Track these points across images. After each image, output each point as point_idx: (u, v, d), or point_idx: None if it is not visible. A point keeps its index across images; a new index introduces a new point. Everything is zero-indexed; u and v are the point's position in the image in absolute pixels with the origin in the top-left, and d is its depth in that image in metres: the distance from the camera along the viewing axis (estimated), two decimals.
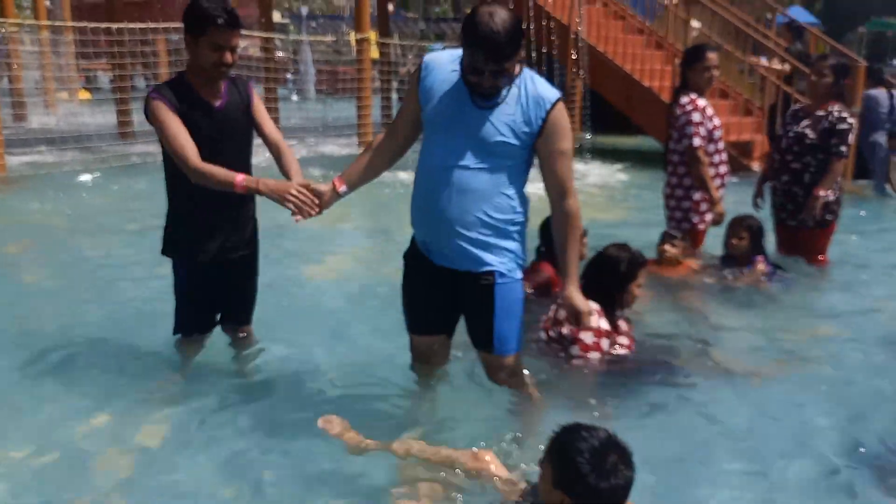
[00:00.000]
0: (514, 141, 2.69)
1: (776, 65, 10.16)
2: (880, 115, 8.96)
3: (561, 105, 2.73)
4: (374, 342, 3.78)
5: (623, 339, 3.45)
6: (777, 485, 2.72)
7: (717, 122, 4.93)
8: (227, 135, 3.07)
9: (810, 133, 4.98)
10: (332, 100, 14.33)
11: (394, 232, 6.31)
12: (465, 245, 2.73)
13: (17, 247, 5.64)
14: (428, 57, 2.78)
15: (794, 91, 9.44)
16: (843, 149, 4.93)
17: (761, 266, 4.82)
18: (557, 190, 2.79)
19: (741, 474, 2.79)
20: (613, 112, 11.26)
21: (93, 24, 9.82)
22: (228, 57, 2.94)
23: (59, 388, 3.29)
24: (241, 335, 3.48)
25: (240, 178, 2.88)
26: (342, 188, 2.86)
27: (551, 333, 3.45)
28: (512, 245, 2.80)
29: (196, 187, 2.97)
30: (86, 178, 7.94)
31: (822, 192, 4.95)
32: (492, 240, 2.74)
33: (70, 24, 11.33)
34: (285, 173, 3.14)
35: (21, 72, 11.75)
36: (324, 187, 2.87)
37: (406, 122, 2.85)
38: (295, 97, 18.34)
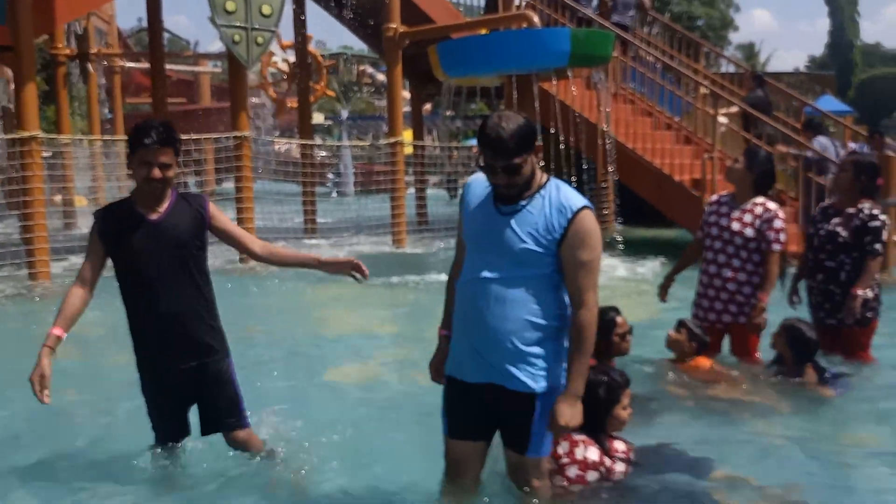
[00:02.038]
0: (536, 248, 2.71)
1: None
2: None
3: (586, 214, 2.73)
4: (395, 460, 3.67)
5: (619, 466, 3.26)
6: None
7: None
8: (165, 247, 3.16)
9: (842, 231, 4.91)
10: (368, 198, 14.64)
11: (427, 338, 6.30)
12: (505, 358, 2.73)
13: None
14: (471, 178, 2.93)
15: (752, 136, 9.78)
16: (878, 246, 4.85)
17: (811, 373, 4.56)
18: (573, 300, 2.76)
19: None
20: (646, 205, 11.30)
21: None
22: (157, 172, 3.10)
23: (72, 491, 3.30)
24: (236, 441, 3.40)
25: (52, 330, 3.10)
26: (447, 332, 2.99)
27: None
28: (552, 353, 2.78)
29: (133, 306, 3.22)
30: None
31: (860, 292, 4.84)
32: (533, 349, 2.73)
33: (119, 137, 11.89)
34: (297, 264, 3.43)
35: (73, 183, 12.34)
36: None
37: (462, 247, 2.94)
38: (335, 195, 18.83)
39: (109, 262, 3.25)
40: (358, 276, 3.29)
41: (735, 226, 4.79)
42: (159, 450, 3.41)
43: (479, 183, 2.87)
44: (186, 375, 3.26)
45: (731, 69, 15.74)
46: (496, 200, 2.79)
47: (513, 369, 2.74)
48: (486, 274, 2.75)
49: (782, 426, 4.16)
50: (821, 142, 9.91)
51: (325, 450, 3.77)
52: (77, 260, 9.39)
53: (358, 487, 3.35)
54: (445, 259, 10.61)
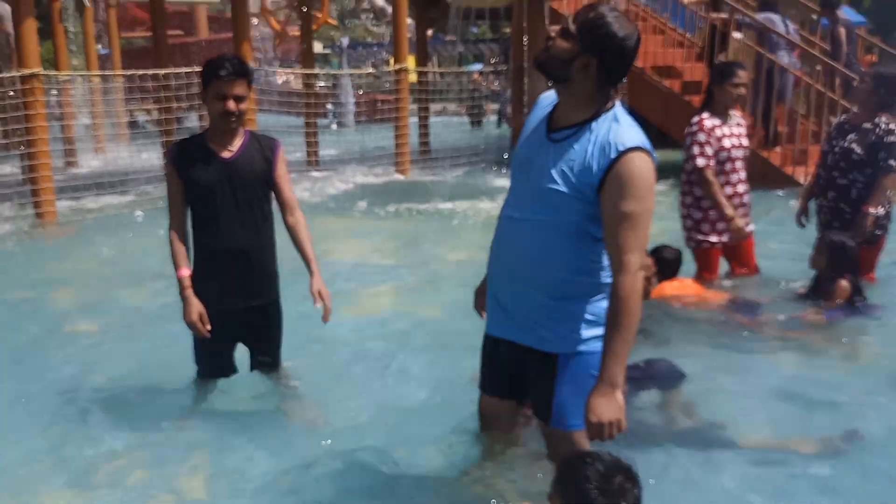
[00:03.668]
0: (563, 189, 2.28)
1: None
2: None
3: (635, 156, 2.23)
4: (414, 392, 3.71)
5: None
6: None
7: (727, 142, 4.81)
8: (236, 186, 3.19)
9: (857, 148, 4.85)
10: (371, 128, 14.48)
11: (432, 265, 6.34)
12: (525, 310, 2.40)
13: (65, 293, 5.82)
14: (541, 95, 2.53)
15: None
16: (892, 162, 4.78)
17: (844, 285, 4.52)
18: (612, 261, 2.28)
19: None
20: (652, 127, 11.13)
21: (140, 72, 10.15)
22: (232, 105, 3.09)
23: (94, 433, 3.35)
24: (277, 374, 3.55)
25: (181, 272, 3.16)
26: None
27: None
28: (581, 314, 2.37)
29: (201, 238, 3.24)
30: (135, 218, 8.15)
31: (871, 210, 4.81)
32: (558, 305, 2.36)
33: (119, 72, 11.71)
34: (301, 254, 3.33)
35: (72, 120, 12.19)
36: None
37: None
38: (334, 127, 18.61)
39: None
40: (318, 307, 3.22)
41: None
42: (201, 385, 3.49)
43: (545, 99, 2.47)
44: (245, 314, 3.31)
45: None
46: (550, 122, 2.37)
47: (533, 325, 2.41)
48: (513, 213, 2.42)
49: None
50: (768, 16, 9.65)
51: (335, 384, 3.83)
52: (82, 198, 9.38)
53: (373, 428, 3.34)
54: (453, 186, 10.61)
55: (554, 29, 2.37)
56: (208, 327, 3.15)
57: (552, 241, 2.33)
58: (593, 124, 2.30)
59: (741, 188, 4.95)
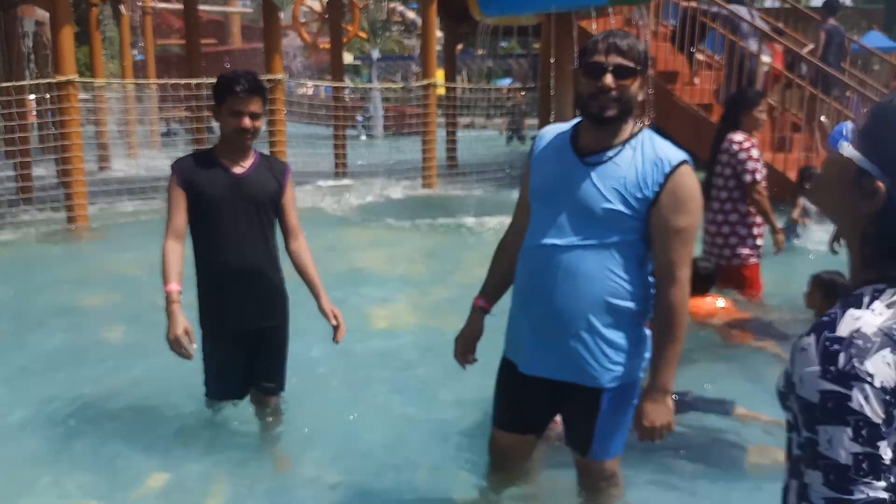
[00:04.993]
0: (623, 209, 2.23)
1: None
2: None
3: (687, 171, 2.24)
4: (436, 410, 3.69)
5: None
6: None
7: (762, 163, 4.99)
8: (247, 203, 3.11)
9: None
10: (399, 139, 14.57)
11: (457, 280, 6.33)
12: (572, 345, 2.29)
13: (98, 298, 5.88)
14: (545, 128, 2.52)
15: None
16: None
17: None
18: (662, 274, 2.27)
19: None
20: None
21: (172, 81, 10.32)
22: (247, 122, 3.02)
23: (121, 443, 3.37)
24: (264, 402, 3.42)
25: (170, 286, 2.99)
26: (484, 305, 2.59)
27: None
28: (629, 342, 2.31)
29: (208, 255, 3.12)
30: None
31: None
32: (607, 335, 2.28)
33: (152, 81, 11.91)
34: (305, 278, 3.24)
35: (106, 126, 12.42)
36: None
37: (525, 208, 2.46)
38: (363, 137, 18.75)
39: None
40: (334, 331, 3.18)
41: None
42: (212, 406, 3.42)
43: (553, 131, 2.43)
44: (254, 337, 3.22)
45: (776, 4, 15.19)
46: (577, 149, 2.31)
47: (579, 358, 2.29)
48: (554, 240, 2.28)
49: None
50: (736, 8, 10.22)
51: (347, 402, 3.80)
52: (112, 203, 9.53)
53: (379, 451, 3.29)
54: (479, 200, 10.64)
55: (607, 84, 2.21)
56: (194, 346, 3.01)
57: (602, 264, 2.26)
58: (632, 142, 2.28)
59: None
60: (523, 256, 2.40)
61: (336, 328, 3.17)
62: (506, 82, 22.76)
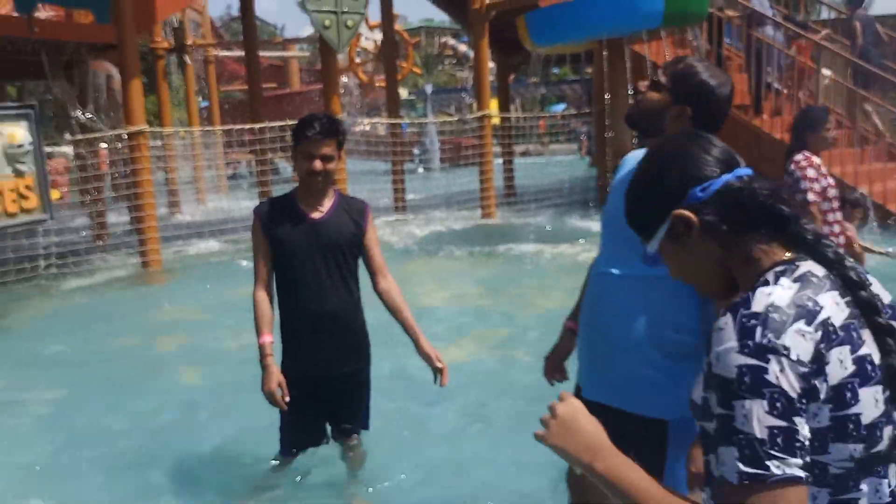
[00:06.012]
0: None
1: None
2: None
3: None
4: (501, 445, 3.65)
5: None
6: None
7: (831, 180, 4.84)
8: (325, 248, 3.09)
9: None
10: (456, 171, 14.69)
11: (521, 310, 6.33)
12: (628, 375, 2.24)
13: (170, 342, 6.04)
14: (628, 154, 2.46)
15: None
16: None
17: None
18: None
19: None
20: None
21: (237, 126, 10.68)
22: (318, 165, 3.01)
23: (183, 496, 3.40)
24: (350, 443, 3.36)
25: (263, 339, 3.00)
26: (573, 326, 2.58)
27: None
28: (690, 376, 2.11)
29: (291, 301, 3.10)
30: (239, 265, 8.40)
31: None
32: (666, 368, 2.20)
33: (217, 127, 12.32)
34: (398, 319, 3.19)
35: (175, 172, 12.89)
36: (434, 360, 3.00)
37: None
38: (421, 170, 18.96)
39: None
40: (437, 374, 3.08)
41: None
42: (284, 460, 3.31)
43: (632, 158, 2.37)
44: (335, 379, 3.18)
45: (832, 15, 14.86)
46: None
47: (637, 388, 2.23)
48: (615, 269, 2.28)
49: None
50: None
51: (417, 434, 3.80)
52: (184, 245, 9.86)
53: (457, 483, 3.28)
54: (540, 229, 10.62)
55: (643, 84, 2.29)
56: (287, 398, 2.98)
57: (667, 297, 2.19)
58: None
59: (836, 228, 4.88)
60: (590, 281, 2.43)
61: (441, 371, 3.08)
62: (559, 108, 22.75)
